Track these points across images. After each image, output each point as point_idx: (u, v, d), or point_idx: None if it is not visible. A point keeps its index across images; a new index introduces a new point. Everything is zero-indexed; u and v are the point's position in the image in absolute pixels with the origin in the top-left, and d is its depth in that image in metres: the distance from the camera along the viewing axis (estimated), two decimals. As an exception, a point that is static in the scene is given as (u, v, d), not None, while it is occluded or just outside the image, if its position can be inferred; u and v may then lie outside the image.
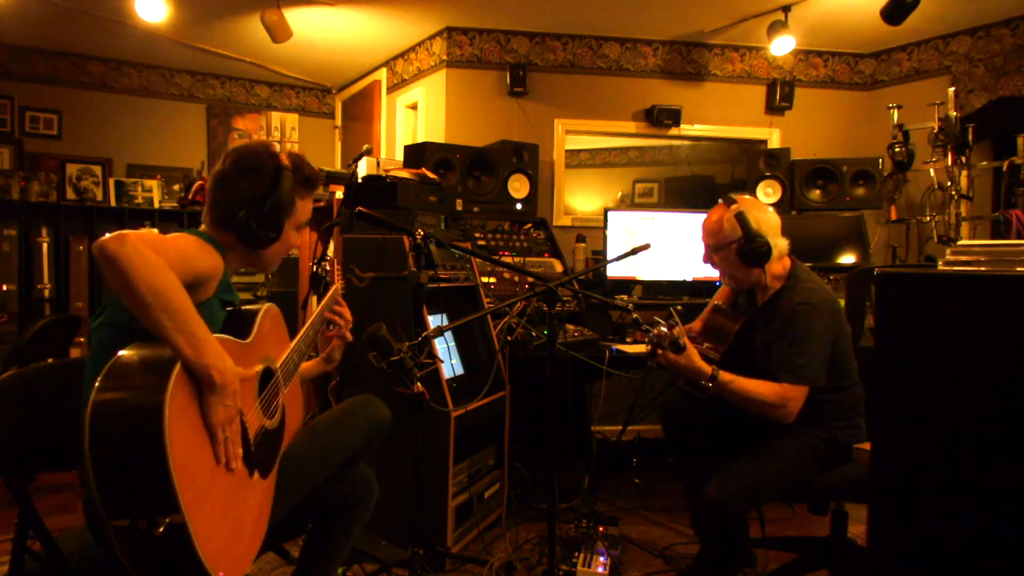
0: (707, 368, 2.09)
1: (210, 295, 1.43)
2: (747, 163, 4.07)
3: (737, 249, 2.18)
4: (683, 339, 2.05)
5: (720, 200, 2.30)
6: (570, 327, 3.06)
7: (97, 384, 1.14)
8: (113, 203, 5.11)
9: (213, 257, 1.45)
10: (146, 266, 1.16)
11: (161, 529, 1.10)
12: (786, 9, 3.89)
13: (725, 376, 2.10)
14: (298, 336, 1.70)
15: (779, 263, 2.23)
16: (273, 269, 1.72)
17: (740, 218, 2.18)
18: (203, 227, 1.61)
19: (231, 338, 1.39)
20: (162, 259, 1.20)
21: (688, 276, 3.59)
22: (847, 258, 3.73)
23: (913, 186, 4.15)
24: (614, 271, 3.52)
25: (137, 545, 1.11)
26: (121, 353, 1.19)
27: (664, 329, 2.04)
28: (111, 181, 5.18)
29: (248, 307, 1.56)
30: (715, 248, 2.27)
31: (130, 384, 1.15)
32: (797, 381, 2.07)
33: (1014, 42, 3.96)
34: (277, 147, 1.67)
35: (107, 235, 1.16)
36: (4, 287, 4.62)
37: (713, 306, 2.50)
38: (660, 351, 2.05)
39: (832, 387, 2.14)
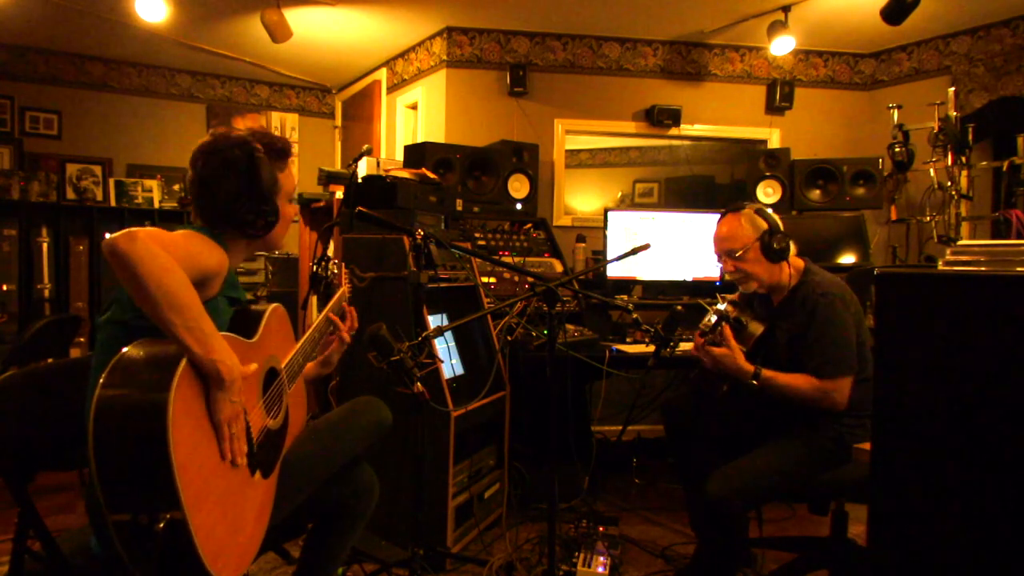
0: (749, 367, 2.15)
1: (215, 292, 1.43)
2: (747, 163, 4.07)
3: (761, 246, 2.22)
4: (744, 317, 2.19)
5: (725, 211, 2.34)
6: (570, 327, 3.06)
7: (101, 380, 1.14)
8: (113, 203, 5.11)
9: (219, 253, 1.45)
10: (156, 264, 1.17)
11: (161, 525, 1.10)
12: (786, 9, 3.89)
13: (768, 373, 2.15)
14: (303, 337, 1.70)
15: (795, 260, 2.28)
16: (281, 245, 1.72)
17: (761, 212, 2.26)
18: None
19: (237, 337, 1.39)
20: (171, 257, 1.21)
21: (688, 276, 3.59)
22: (847, 258, 3.73)
23: (913, 186, 4.15)
24: (614, 271, 3.52)
25: (137, 540, 1.12)
26: (125, 350, 1.20)
27: (721, 307, 2.16)
28: (111, 181, 5.18)
29: (256, 307, 1.56)
30: (737, 252, 2.26)
31: (135, 380, 1.15)
32: (835, 374, 2.11)
33: (1014, 42, 3.96)
34: (240, 129, 1.63)
35: (117, 232, 1.17)
36: (4, 287, 4.61)
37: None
38: (715, 332, 2.13)
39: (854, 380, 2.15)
